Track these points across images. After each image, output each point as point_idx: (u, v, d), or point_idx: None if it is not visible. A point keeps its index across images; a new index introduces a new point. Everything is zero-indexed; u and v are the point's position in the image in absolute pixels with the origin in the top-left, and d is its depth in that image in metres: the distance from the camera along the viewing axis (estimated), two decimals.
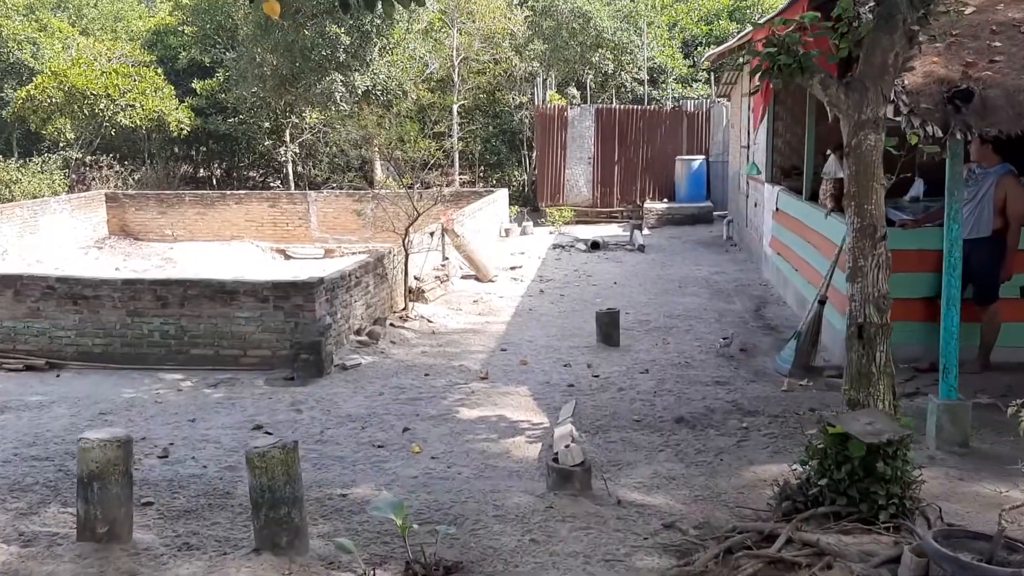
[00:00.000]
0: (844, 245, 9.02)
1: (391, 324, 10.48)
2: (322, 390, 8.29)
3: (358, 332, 9.76)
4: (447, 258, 13.56)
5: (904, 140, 5.43)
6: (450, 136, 23.31)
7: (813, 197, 11.11)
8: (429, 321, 10.97)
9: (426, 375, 8.77)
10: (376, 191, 12.15)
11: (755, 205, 15.32)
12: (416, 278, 11.97)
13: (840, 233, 8.95)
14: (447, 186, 15.93)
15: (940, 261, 6.31)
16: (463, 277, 13.68)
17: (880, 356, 4.88)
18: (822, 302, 8.91)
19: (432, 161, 12.29)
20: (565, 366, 9.02)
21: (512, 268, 14.93)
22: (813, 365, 8.87)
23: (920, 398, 6.92)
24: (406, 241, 11.14)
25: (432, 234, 12.84)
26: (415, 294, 11.65)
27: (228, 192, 21.51)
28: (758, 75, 4.92)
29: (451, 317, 11.35)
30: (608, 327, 9.82)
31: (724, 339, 9.84)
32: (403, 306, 11.16)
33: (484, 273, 13.79)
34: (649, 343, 9.93)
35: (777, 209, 12.73)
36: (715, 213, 20.79)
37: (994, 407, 6.39)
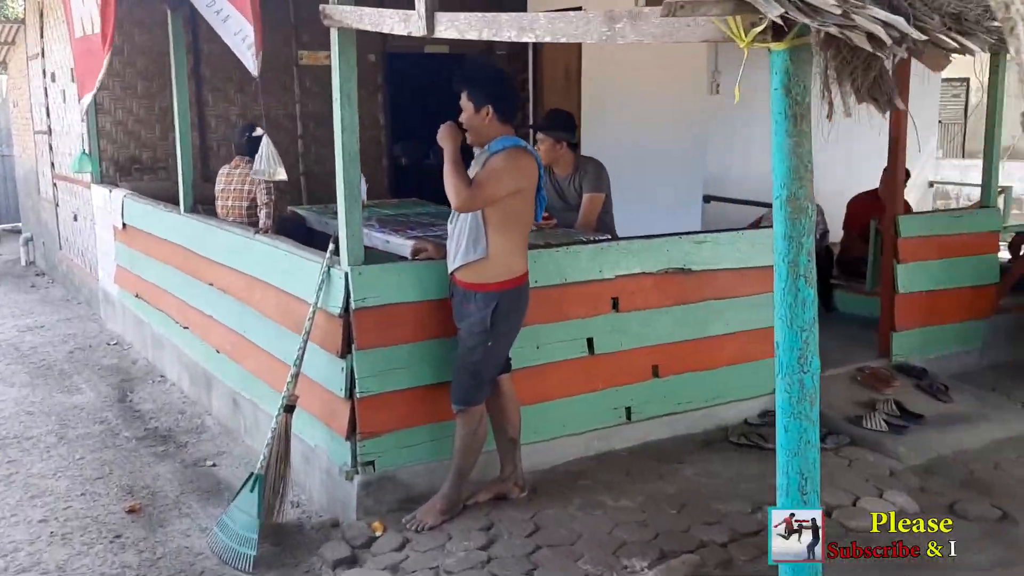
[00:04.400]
0: (317, 307, 5.00)
1: None
2: None
3: None
4: None
5: None
6: None
7: (206, 207, 6.89)
8: None
9: None
10: None
11: (75, 219, 10.25)
12: None
13: (308, 277, 4.89)
14: None
15: None
16: None
17: None
18: (289, 409, 4.79)
19: None
20: None
21: None
22: (282, 523, 4.76)
23: None
24: None
25: None
26: None
27: None
28: None
29: None
30: None
31: None
32: None
33: None
34: None
35: (124, 226, 8.12)
36: (2, 227, 14.82)
37: None
